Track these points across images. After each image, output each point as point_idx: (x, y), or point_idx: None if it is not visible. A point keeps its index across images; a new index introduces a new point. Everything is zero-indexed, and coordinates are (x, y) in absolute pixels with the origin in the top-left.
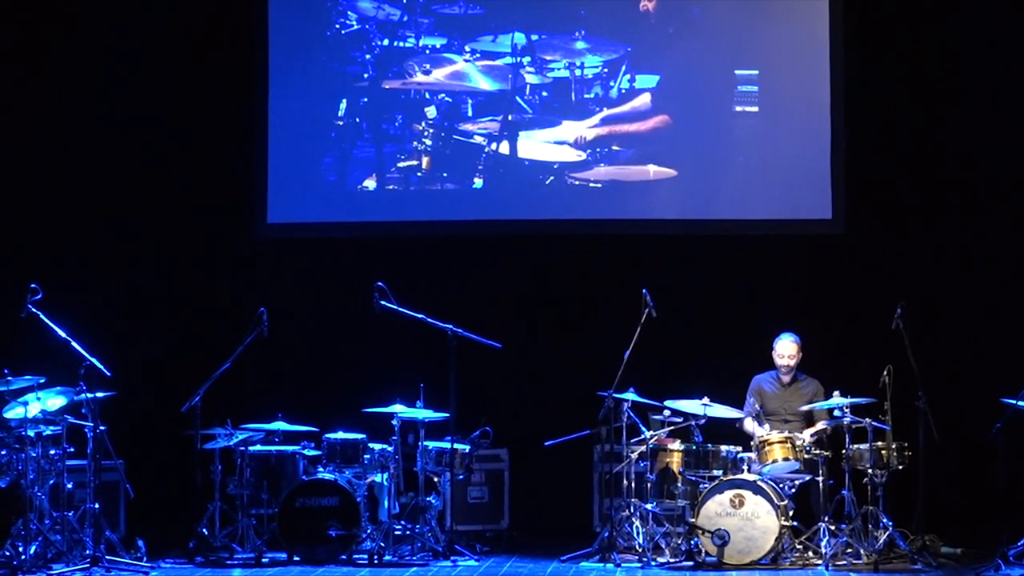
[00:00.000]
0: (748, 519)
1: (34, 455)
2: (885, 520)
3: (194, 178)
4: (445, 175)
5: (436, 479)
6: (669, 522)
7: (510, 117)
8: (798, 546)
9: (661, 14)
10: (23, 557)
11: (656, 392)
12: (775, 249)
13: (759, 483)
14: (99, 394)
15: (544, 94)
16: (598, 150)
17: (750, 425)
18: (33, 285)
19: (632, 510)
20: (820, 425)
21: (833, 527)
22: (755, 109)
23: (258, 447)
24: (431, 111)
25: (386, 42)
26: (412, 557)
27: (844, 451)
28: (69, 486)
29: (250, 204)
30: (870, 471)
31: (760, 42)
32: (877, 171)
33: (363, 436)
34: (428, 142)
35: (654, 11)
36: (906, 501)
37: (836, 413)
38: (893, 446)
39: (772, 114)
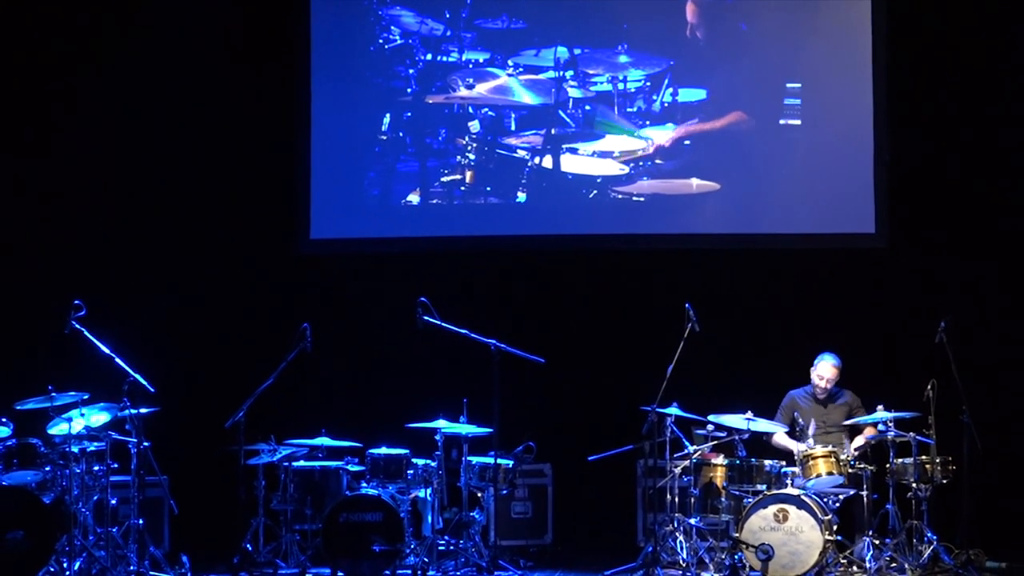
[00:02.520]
0: (792, 533)
1: (78, 471)
2: (929, 534)
3: (238, 194)
4: (489, 189)
5: (480, 494)
6: (713, 537)
7: (553, 131)
8: (842, 560)
9: (705, 28)
10: (68, 573)
11: (699, 407)
12: (818, 263)
13: (803, 497)
14: (143, 410)
15: (587, 108)
16: (641, 164)
17: (781, 439)
18: (77, 301)
19: (676, 525)
20: (864, 438)
21: (877, 541)
22: (798, 122)
23: (302, 462)
24: (474, 125)
25: (429, 57)
26: (456, 572)
27: (888, 465)
28: (113, 502)
29: (293, 220)
30: (914, 485)
31: (803, 55)
32: (920, 184)
33: (406, 451)
34: (471, 156)
35: (699, 27)
36: (950, 515)
37: (880, 427)
38: (937, 460)
39: (815, 127)
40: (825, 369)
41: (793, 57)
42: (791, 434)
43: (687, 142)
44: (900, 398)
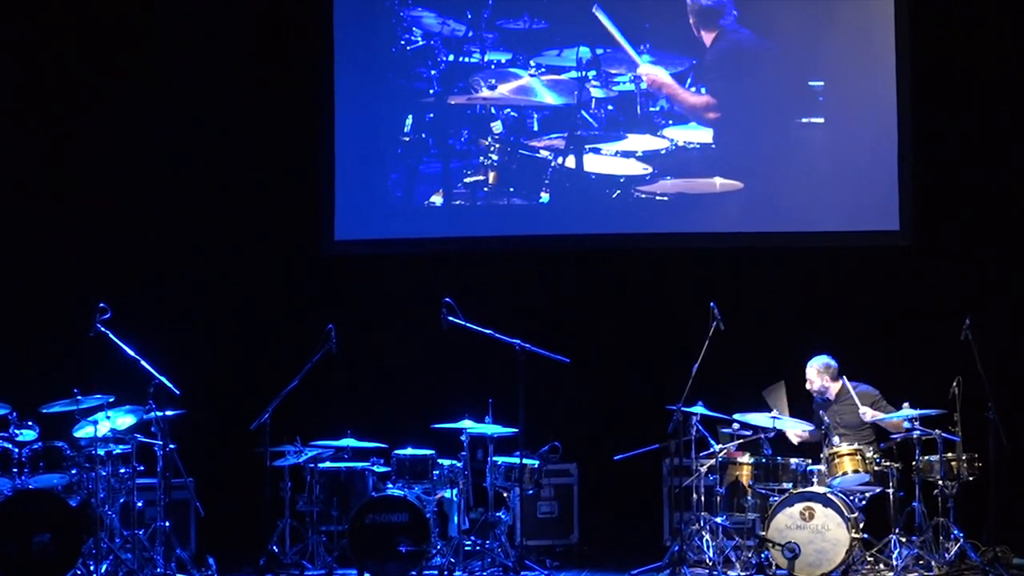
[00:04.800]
0: (818, 532)
1: (104, 474)
2: (956, 532)
3: (262, 196)
4: (512, 190)
5: (505, 494)
6: (739, 535)
7: (576, 131)
8: (869, 558)
9: (726, 27)
10: None
11: (725, 405)
12: (843, 261)
13: (829, 495)
14: (168, 412)
15: (610, 108)
16: (664, 163)
17: (791, 434)
18: (102, 304)
19: (702, 524)
20: (881, 416)
21: (904, 539)
22: (821, 120)
23: (327, 464)
24: (497, 126)
25: (451, 58)
26: (482, 573)
27: (914, 463)
28: (139, 504)
29: (318, 221)
30: (940, 483)
31: (826, 52)
32: (944, 181)
33: (432, 452)
34: (494, 157)
35: (712, 25)
36: (977, 512)
37: (906, 425)
38: (963, 457)
39: (838, 125)
40: (807, 372)
41: (816, 54)
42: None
43: (713, 146)
44: (926, 395)
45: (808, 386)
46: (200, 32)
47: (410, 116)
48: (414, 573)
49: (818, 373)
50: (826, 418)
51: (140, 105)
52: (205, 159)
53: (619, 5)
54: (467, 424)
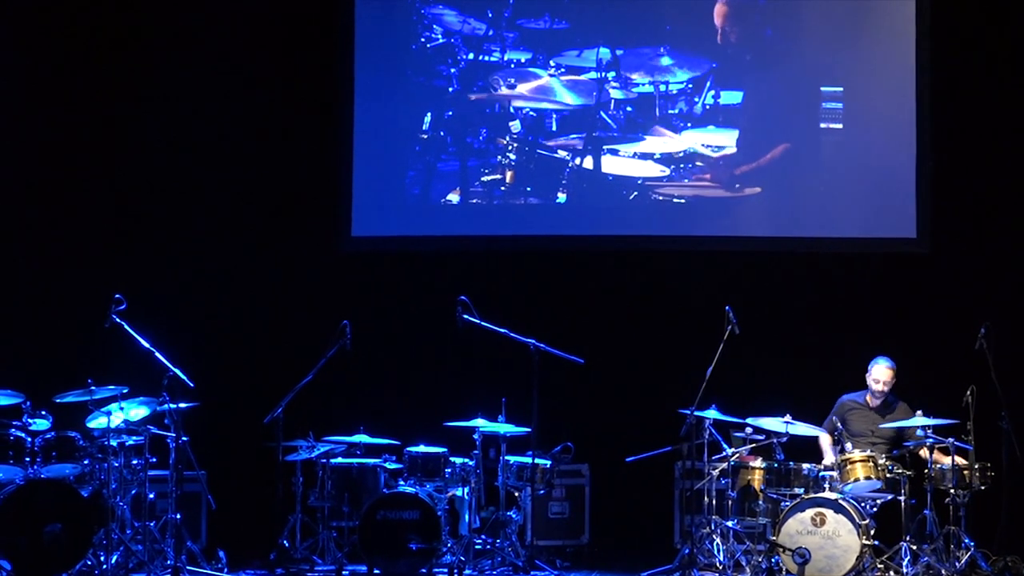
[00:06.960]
0: (829, 538)
1: (117, 465)
2: (967, 540)
3: (280, 191)
4: (529, 190)
5: (517, 494)
6: (750, 540)
7: (594, 132)
8: (879, 565)
9: (746, 31)
10: (105, 566)
11: (738, 409)
12: (859, 267)
13: (841, 502)
14: (182, 405)
15: (628, 109)
16: (682, 166)
17: (824, 443)
18: (117, 295)
19: (713, 527)
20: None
21: (915, 547)
22: (840, 126)
23: (340, 459)
24: (515, 125)
25: (471, 56)
26: (492, 572)
27: (926, 471)
28: (151, 496)
29: (335, 217)
30: (952, 491)
31: (845, 59)
32: (961, 190)
33: (444, 450)
34: (512, 156)
35: (735, 30)
36: (988, 521)
37: (918, 432)
38: (976, 466)
39: (857, 131)
40: (880, 372)
41: (835, 61)
42: (835, 440)
43: (731, 150)
44: (939, 404)
45: (881, 387)
46: (220, 27)
47: (429, 114)
48: (424, 570)
49: (893, 374)
50: (851, 426)
51: (159, 98)
52: (223, 154)
53: (639, 7)
54: (480, 423)
